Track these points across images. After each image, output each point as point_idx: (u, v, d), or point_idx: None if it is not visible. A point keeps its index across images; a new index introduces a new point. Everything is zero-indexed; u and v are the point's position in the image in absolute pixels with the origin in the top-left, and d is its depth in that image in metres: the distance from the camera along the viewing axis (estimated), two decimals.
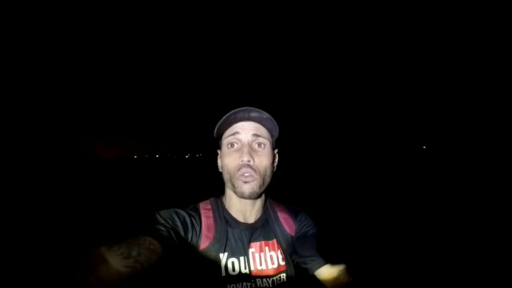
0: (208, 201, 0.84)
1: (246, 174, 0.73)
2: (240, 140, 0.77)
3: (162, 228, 0.64)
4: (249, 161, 0.73)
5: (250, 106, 0.78)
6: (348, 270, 0.72)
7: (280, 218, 0.84)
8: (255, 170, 0.74)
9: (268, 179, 0.77)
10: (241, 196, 0.74)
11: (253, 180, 0.73)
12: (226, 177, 0.78)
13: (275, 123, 0.80)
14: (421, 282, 2.31)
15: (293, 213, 0.89)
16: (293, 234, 0.83)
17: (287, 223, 0.84)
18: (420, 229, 3.71)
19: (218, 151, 0.86)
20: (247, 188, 0.73)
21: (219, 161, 0.85)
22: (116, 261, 0.51)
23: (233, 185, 0.75)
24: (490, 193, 5.96)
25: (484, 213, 4.34)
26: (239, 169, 0.74)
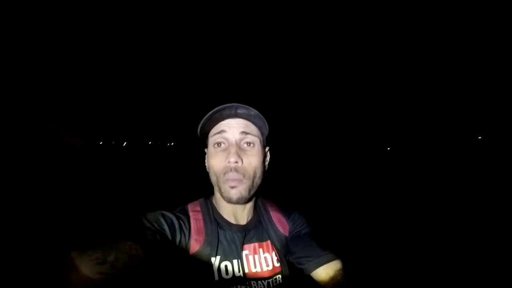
0: (197, 202, 0.81)
1: (232, 178, 0.69)
2: (227, 139, 0.73)
3: (147, 232, 0.61)
4: (236, 162, 0.69)
5: (235, 100, 0.74)
6: (345, 270, 0.71)
7: (273, 218, 0.83)
8: (243, 174, 0.70)
9: (258, 181, 0.75)
10: (228, 201, 0.72)
11: (239, 185, 0.70)
12: (213, 179, 0.75)
13: (264, 120, 0.75)
14: (417, 280, 2.40)
15: (286, 212, 0.87)
16: (287, 235, 0.82)
17: (280, 223, 0.83)
18: (415, 227, 3.85)
19: (206, 150, 0.82)
20: (234, 193, 0.70)
21: (207, 161, 0.81)
22: (88, 267, 0.48)
23: (219, 188, 0.72)
24: (477, 192, 6.38)
25: (473, 212, 4.64)
26: (225, 173, 0.70)
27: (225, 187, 0.70)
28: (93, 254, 0.49)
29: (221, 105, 0.75)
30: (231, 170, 0.70)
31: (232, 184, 0.69)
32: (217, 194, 0.78)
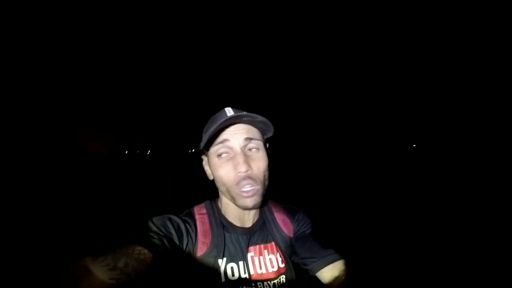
0: (202, 205, 0.82)
1: (247, 188, 0.68)
2: (231, 148, 0.70)
3: (154, 236, 0.62)
4: (247, 171, 0.68)
5: (244, 102, 0.74)
6: (350, 270, 0.71)
7: (277, 220, 0.83)
8: (255, 180, 0.69)
9: (267, 183, 0.74)
10: (245, 208, 0.72)
11: (255, 193, 0.69)
12: (222, 188, 0.74)
13: (270, 124, 0.72)
14: (421, 279, 2.35)
15: (290, 213, 0.87)
16: (292, 235, 0.82)
17: (284, 224, 0.83)
18: (419, 227, 3.75)
19: (204, 157, 0.81)
20: (250, 201, 0.69)
21: (207, 168, 0.80)
22: (101, 273, 0.49)
23: (233, 198, 0.71)
24: (483, 191, 6.05)
25: (479, 212, 4.41)
26: (238, 183, 0.69)
27: (240, 197, 0.69)
28: (104, 260, 0.51)
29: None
30: (244, 179, 0.68)
31: (248, 194, 0.68)
32: (224, 198, 0.78)
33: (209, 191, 0.89)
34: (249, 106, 0.78)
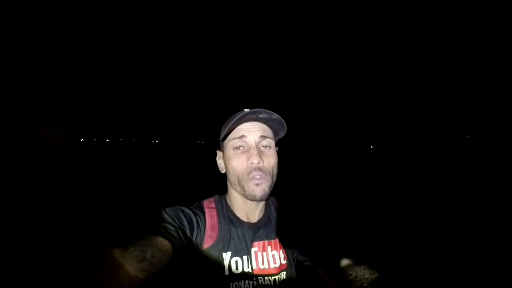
0: (211, 199, 0.85)
1: (257, 177, 0.73)
2: (246, 143, 0.77)
3: (171, 228, 0.66)
4: (259, 163, 0.73)
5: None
6: (352, 267, 0.71)
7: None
8: (265, 172, 0.74)
9: (275, 179, 0.79)
10: (253, 199, 0.74)
11: (264, 182, 0.74)
12: (233, 179, 0.78)
13: (284, 124, 0.80)
14: (423, 277, 2.38)
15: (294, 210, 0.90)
16: None
17: None
18: (419, 226, 3.81)
19: (218, 152, 0.87)
20: (259, 191, 0.73)
21: (220, 162, 0.86)
22: (132, 264, 0.50)
23: (242, 188, 0.75)
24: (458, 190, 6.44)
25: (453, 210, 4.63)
26: (249, 172, 0.74)
27: (250, 185, 0.74)
28: (134, 252, 0.51)
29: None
30: (254, 169, 0.74)
31: (257, 182, 0.73)
32: (233, 193, 0.81)
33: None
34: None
